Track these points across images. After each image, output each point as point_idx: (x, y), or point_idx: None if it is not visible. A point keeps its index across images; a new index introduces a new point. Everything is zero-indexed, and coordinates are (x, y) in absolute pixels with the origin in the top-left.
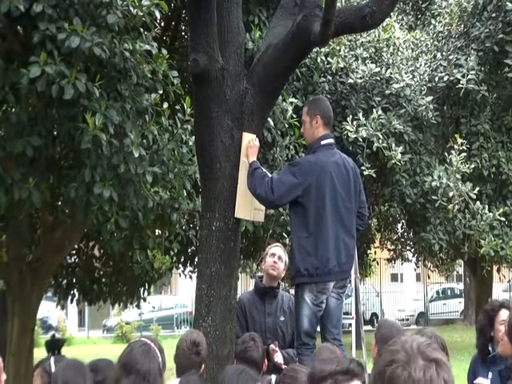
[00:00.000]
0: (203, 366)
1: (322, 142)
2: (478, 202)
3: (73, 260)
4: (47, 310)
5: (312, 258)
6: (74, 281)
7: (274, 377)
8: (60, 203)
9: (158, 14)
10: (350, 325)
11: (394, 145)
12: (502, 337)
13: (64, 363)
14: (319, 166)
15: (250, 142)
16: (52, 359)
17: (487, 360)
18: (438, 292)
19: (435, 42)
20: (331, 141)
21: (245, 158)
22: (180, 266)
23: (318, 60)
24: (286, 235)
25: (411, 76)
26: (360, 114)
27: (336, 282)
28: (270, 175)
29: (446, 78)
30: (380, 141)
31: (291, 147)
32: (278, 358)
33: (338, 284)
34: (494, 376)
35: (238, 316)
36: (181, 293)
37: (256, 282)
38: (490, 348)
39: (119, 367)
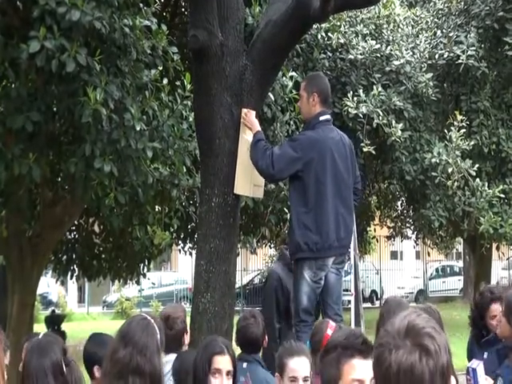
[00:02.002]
0: (185, 337)
1: (321, 118)
2: (477, 179)
3: (72, 236)
4: (47, 285)
5: (312, 234)
6: (74, 257)
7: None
8: (60, 179)
9: None
10: (350, 302)
11: (393, 122)
12: (500, 318)
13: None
14: (319, 142)
15: (243, 115)
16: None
17: (482, 344)
18: (437, 270)
19: (435, 19)
20: (329, 117)
21: (244, 135)
22: (180, 242)
23: (319, 36)
24: (286, 211)
25: (411, 53)
26: (360, 91)
27: (335, 258)
28: (271, 148)
29: (446, 55)
30: (380, 117)
31: (291, 123)
32: None
33: (337, 260)
34: (489, 356)
35: (277, 291)
36: (181, 269)
37: (285, 254)
38: (484, 333)
39: (118, 338)
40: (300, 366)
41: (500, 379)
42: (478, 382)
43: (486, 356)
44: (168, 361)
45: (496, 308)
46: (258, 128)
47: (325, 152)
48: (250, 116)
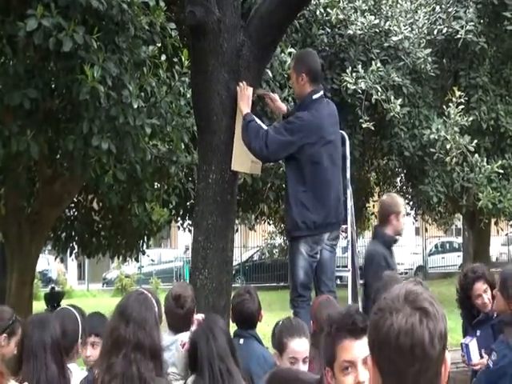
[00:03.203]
0: (194, 317)
1: (314, 97)
2: (476, 155)
3: (72, 213)
4: (47, 263)
5: (310, 212)
6: (73, 234)
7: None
8: (58, 156)
9: None
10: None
11: (392, 97)
12: (496, 293)
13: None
14: (315, 124)
15: (239, 89)
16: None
17: (474, 324)
18: (436, 246)
19: None
20: (321, 93)
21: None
22: (179, 219)
23: (317, 12)
24: (285, 187)
25: (410, 29)
26: (359, 67)
27: (330, 234)
28: (265, 128)
29: (444, 31)
30: (379, 93)
31: (290, 99)
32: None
33: (332, 235)
34: (482, 333)
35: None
36: (180, 246)
37: (383, 234)
38: (473, 312)
39: (116, 314)
40: (301, 347)
41: (494, 353)
42: (471, 356)
43: (478, 334)
44: (177, 339)
45: (479, 286)
46: (248, 109)
47: (321, 133)
48: (244, 92)
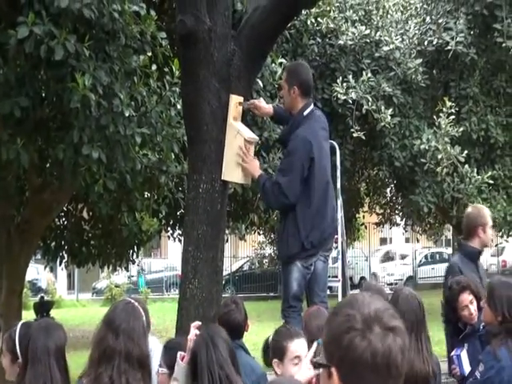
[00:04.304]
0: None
1: (305, 113)
2: (466, 166)
3: (61, 222)
4: (37, 272)
5: (315, 231)
6: (63, 243)
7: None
8: (48, 165)
9: None
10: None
11: (383, 107)
12: (484, 305)
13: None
14: (311, 143)
15: (247, 162)
16: (18, 325)
17: (460, 339)
18: (426, 256)
19: (424, 6)
20: (312, 107)
21: (232, 121)
22: (169, 228)
23: (308, 22)
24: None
25: (401, 39)
26: (350, 77)
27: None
28: (274, 180)
29: (435, 42)
30: (369, 103)
31: (280, 106)
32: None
33: (326, 246)
34: (470, 346)
35: None
36: (170, 256)
37: (463, 245)
38: (460, 325)
39: (104, 325)
40: (301, 345)
41: (481, 364)
42: (463, 367)
43: (466, 347)
44: None
45: (465, 298)
46: (258, 172)
47: (317, 149)
48: (251, 162)
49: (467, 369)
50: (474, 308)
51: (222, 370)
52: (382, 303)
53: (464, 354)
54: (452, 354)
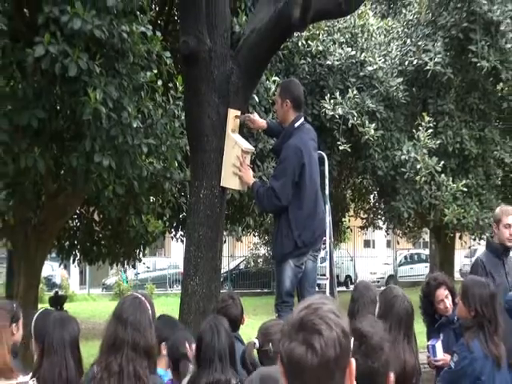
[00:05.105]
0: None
1: (296, 125)
2: (442, 175)
3: (74, 224)
4: (51, 269)
5: (306, 231)
6: (76, 243)
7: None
8: (62, 171)
9: None
10: (325, 285)
11: (367, 122)
12: (458, 301)
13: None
14: (302, 151)
15: (242, 170)
16: (37, 313)
17: (436, 328)
18: (406, 257)
19: (405, 29)
20: (302, 119)
21: (230, 133)
22: (172, 230)
23: (299, 44)
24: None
25: (383, 59)
26: (337, 94)
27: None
28: (268, 185)
29: (415, 62)
30: (355, 118)
31: (273, 121)
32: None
33: (315, 247)
34: (445, 337)
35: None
36: (173, 255)
37: (490, 243)
38: (436, 316)
39: (114, 318)
40: None
41: (455, 355)
42: (437, 355)
43: (442, 337)
44: None
45: (441, 293)
46: (252, 180)
47: (307, 156)
48: (246, 170)
49: (439, 355)
50: (449, 302)
51: (220, 361)
52: (318, 314)
53: (439, 344)
54: (428, 343)
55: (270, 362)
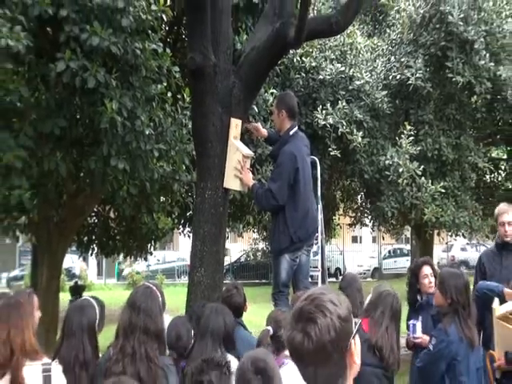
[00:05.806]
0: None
1: (291, 133)
2: (422, 178)
3: (92, 221)
4: (71, 261)
5: (301, 229)
6: (94, 238)
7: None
8: (82, 174)
9: (165, 17)
10: (317, 277)
11: (355, 130)
12: (435, 291)
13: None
14: (297, 156)
15: (243, 174)
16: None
17: (417, 308)
18: (389, 251)
19: (390, 48)
20: (296, 128)
21: (232, 139)
22: (180, 226)
23: (294, 60)
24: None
25: (370, 74)
26: (328, 105)
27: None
28: (266, 187)
29: (398, 77)
30: (344, 127)
31: (272, 130)
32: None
33: (308, 243)
34: (423, 319)
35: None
36: (181, 249)
37: (496, 238)
38: (418, 298)
39: (128, 306)
40: None
41: (434, 339)
42: (416, 333)
43: (420, 319)
44: None
45: (427, 269)
46: (251, 182)
47: (301, 161)
48: (246, 173)
49: (418, 334)
50: (432, 280)
51: (213, 340)
52: (314, 303)
53: (419, 324)
54: (409, 322)
55: (282, 346)
